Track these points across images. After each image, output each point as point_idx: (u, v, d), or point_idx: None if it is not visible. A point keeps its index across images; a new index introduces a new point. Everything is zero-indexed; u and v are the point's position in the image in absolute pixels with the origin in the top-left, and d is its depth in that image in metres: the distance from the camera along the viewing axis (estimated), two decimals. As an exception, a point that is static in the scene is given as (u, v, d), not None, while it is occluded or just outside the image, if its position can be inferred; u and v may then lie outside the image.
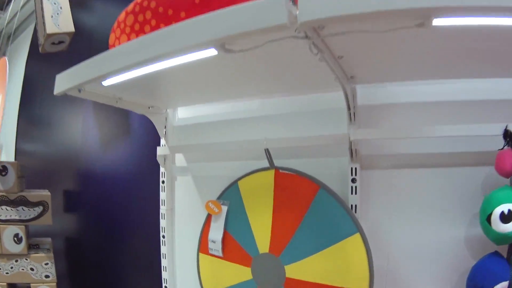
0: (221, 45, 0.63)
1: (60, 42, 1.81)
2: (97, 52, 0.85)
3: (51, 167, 2.20)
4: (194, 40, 0.63)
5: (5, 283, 1.79)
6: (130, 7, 0.93)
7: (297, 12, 0.54)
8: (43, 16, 1.76)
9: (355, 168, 0.92)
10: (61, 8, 1.79)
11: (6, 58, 1.85)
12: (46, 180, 2.15)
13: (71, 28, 1.78)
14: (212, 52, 0.65)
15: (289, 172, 0.97)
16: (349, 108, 0.89)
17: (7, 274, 1.77)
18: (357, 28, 0.58)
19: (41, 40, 1.81)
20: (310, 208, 0.93)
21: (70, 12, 1.81)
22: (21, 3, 3.21)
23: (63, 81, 0.97)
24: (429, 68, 0.80)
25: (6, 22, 3.76)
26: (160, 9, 0.87)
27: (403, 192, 0.91)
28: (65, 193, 2.10)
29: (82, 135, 2.03)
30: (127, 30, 0.94)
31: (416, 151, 0.90)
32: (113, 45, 0.96)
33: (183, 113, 1.31)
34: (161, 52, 0.69)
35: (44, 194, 1.77)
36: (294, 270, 0.95)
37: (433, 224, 0.88)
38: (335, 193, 0.90)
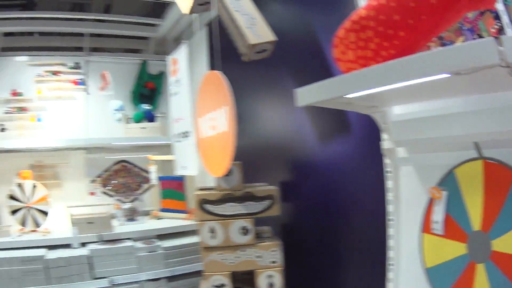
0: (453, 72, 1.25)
1: (263, 51, 2.69)
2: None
3: (267, 162, 3.20)
4: (433, 69, 1.25)
5: (229, 272, 2.79)
6: (348, 24, 1.59)
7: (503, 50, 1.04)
8: (238, 28, 2.64)
9: None
10: (254, 18, 2.69)
11: (218, 72, 2.68)
12: (264, 174, 3.13)
13: (271, 37, 2.66)
14: (445, 76, 1.27)
15: (495, 162, 1.60)
16: None
17: (232, 264, 2.71)
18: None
19: (242, 50, 2.69)
20: (510, 192, 1.54)
21: (264, 21, 2.68)
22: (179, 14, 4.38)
23: (306, 96, 1.79)
24: None
25: (167, 29, 5.29)
26: (380, 29, 1.49)
27: None
28: (283, 184, 2.99)
29: (296, 130, 2.95)
30: (352, 46, 1.61)
31: None
32: (339, 58, 1.67)
33: (398, 110, 2.00)
34: (403, 76, 1.33)
35: (271, 188, 2.70)
36: (499, 244, 1.56)
37: None
38: None
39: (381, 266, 2.13)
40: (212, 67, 3.77)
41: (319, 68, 2.63)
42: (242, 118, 3.62)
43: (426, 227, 1.86)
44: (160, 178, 5.08)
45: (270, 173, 3.24)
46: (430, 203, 1.84)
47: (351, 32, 1.59)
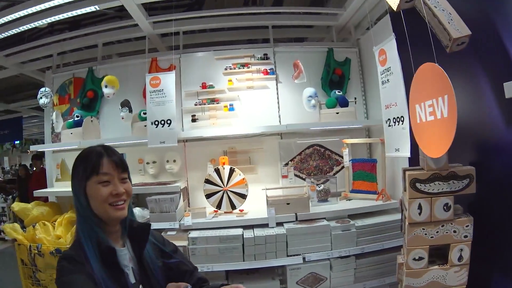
0: None
1: (462, 43, 2.93)
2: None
3: (458, 143, 3.40)
4: None
5: (428, 246, 3.09)
6: None
7: None
8: (441, 23, 2.92)
9: None
10: (450, 14, 2.96)
11: (435, 64, 2.92)
12: (455, 155, 3.31)
13: (468, 31, 2.90)
14: None
15: None
16: None
17: (432, 238, 3.09)
18: None
19: (446, 43, 2.95)
20: None
21: (459, 17, 2.94)
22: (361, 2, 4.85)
23: None
24: None
25: (349, 18, 5.68)
26: None
27: None
28: (471, 165, 3.22)
29: (487, 115, 3.24)
30: None
31: None
32: None
33: None
34: None
35: (470, 168, 3.00)
36: None
37: None
38: None
39: None
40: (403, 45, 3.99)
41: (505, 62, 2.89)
42: None
43: None
44: (352, 161, 5.32)
45: (462, 155, 3.41)
46: None
47: None
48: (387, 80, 4.07)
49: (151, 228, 2.20)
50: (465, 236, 3.06)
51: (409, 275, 3.14)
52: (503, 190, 3.08)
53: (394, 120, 3.96)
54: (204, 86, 5.56)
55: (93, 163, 1.99)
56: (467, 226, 3.06)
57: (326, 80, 5.78)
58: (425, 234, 3.09)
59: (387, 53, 4.04)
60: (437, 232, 3.07)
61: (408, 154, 3.74)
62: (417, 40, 3.18)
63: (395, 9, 3.08)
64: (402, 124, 3.79)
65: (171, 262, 2.22)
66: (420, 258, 3.12)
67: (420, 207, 3.07)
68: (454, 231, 3.07)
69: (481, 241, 3.17)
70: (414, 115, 3.29)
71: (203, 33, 6.59)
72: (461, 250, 3.07)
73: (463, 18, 2.99)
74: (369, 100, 5.85)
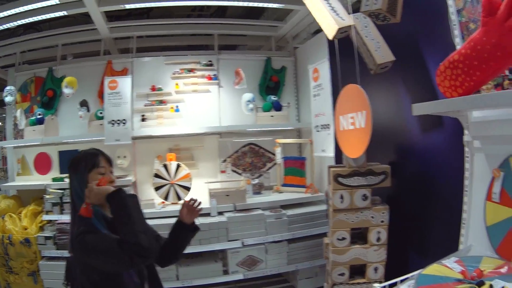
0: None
1: (385, 67, 3.47)
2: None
3: (379, 146, 3.89)
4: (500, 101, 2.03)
5: (349, 228, 3.60)
6: (446, 63, 2.31)
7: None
8: (368, 50, 3.43)
9: None
10: (378, 43, 3.49)
11: (357, 85, 3.43)
12: (377, 156, 3.88)
13: (392, 57, 3.46)
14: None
15: None
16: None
17: (353, 222, 3.60)
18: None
19: (371, 67, 3.48)
20: None
21: (386, 45, 3.47)
22: (301, 17, 5.31)
23: (420, 109, 2.63)
24: None
25: (288, 30, 6.24)
26: (465, 69, 2.16)
27: None
28: (390, 164, 3.76)
29: (404, 123, 3.79)
30: (448, 78, 2.31)
31: None
32: (439, 84, 2.38)
33: (475, 114, 2.65)
34: (489, 103, 2.12)
35: (385, 166, 3.58)
36: None
37: None
38: None
39: (456, 224, 2.84)
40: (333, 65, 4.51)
41: (423, 82, 3.41)
42: None
43: (489, 196, 2.52)
44: (284, 158, 5.86)
45: (382, 156, 4.01)
46: (492, 180, 2.50)
47: (448, 69, 2.36)
48: (318, 94, 4.79)
49: None
50: (382, 221, 3.63)
51: (334, 252, 3.64)
52: (414, 184, 3.69)
53: (322, 127, 4.70)
54: (153, 88, 5.90)
55: (93, 159, 2.56)
56: (383, 212, 3.63)
57: (263, 86, 6.31)
58: (347, 218, 3.61)
59: (319, 71, 4.73)
60: (357, 217, 3.61)
61: (332, 154, 4.49)
62: (347, 59, 3.65)
63: (330, 38, 3.52)
64: (328, 130, 4.53)
65: None
66: (343, 238, 3.63)
67: (342, 197, 3.59)
68: (372, 217, 3.62)
69: (398, 225, 3.73)
70: (338, 124, 3.84)
71: (155, 38, 6.93)
72: (379, 232, 3.61)
73: (395, 43, 3.57)
74: (301, 105, 6.43)
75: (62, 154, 5.81)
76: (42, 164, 5.89)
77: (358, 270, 3.75)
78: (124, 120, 5.19)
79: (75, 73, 5.63)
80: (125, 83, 5.30)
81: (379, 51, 3.51)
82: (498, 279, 2.01)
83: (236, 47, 7.55)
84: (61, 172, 5.71)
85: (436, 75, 2.45)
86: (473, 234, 2.71)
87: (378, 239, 3.64)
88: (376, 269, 3.65)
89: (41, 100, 5.87)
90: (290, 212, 5.07)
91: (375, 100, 3.44)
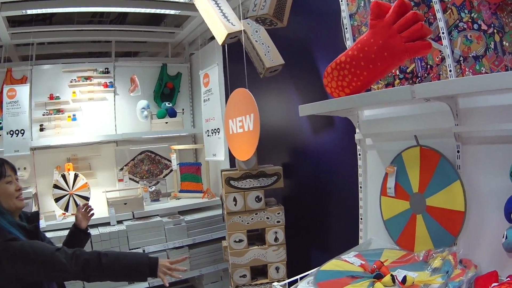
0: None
1: (275, 70, 3.45)
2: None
3: (274, 148, 3.83)
4: (385, 98, 2.15)
5: (245, 230, 3.54)
6: (333, 64, 2.32)
7: (415, 91, 1.90)
8: (258, 54, 3.38)
9: (458, 145, 2.10)
10: (268, 47, 3.46)
11: (245, 89, 3.43)
12: (272, 158, 3.94)
13: (281, 61, 3.45)
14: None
15: (426, 147, 2.25)
16: (452, 112, 2.05)
17: (248, 224, 3.55)
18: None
19: (260, 70, 3.45)
20: (436, 167, 2.20)
21: (276, 49, 3.44)
22: (198, 24, 5.31)
23: (306, 109, 2.59)
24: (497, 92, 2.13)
25: (184, 37, 6.13)
26: (352, 70, 2.22)
27: (485, 157, 2.01)
28: (285, 165, 3.77)
29: (297, 126, 3.76)
30: (335, 78, 2.34)
31: (494, 134, 1.96)
32: (327, 85, 2.39)
33: (367, 113, 2.68)
34: (372, 100, 2.16)
35: (277, 168, 3.49)
36: (430, 201, 2.21)
37: (501, 176, 1.89)
38: (448, 159, 2.13)
39: (355, 220, 2.85)
40: (224, 70, 4.62)
41: (314, 85, 3.42)
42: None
43: (383, 191, 2.57)
44: (180, 164, 5.76)
45: (278, 157, 4.08)
46: (386, 175, 2.54)
47: (335, 70, 2.35)
48: (208, 99, 4.68)
49: None
50: (278, 221, 3.60)
51: (233, 254, 3.57)
52: (310, 183, 3.70)
53: (212, 131, 4.58)
54: (51, 97, 5.57)
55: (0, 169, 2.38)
56: (278, 213, 3.60)
57: (158, 93, 6.16)
58: (242, 221, 3.57)
59: (210, 77, 4.62)
60: (252, 218, 3.57)
61: (222, 158, 4.41)
62: (239, 63, 3.65)
63: (220, 43, 3.49)
64: (218, 134, 4.43)
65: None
66: (240, 240, 3.57)
67: (235, 199, 3.54)
68: (267, 218, 3.59)
69: (298, 224, 3.78)
70: (227, 127, 3.81)
71: (56, 45, 6.51)
72: (276, 232, 3.59)
73: (288, 47, 3.57)
74: (196, 111, 6.36)
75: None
76: None
77: (260, 271, 3.74)
78: (22, 130, 4.91)
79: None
80: (23, 92, 5.03)
81: (269, 55, 3.51)
82: (401, 269, 2.02)
83: (137, 54, 7.24)
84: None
85: (324, 76, 2.44)
86: (372, 228, 2.76)
87: (276, 239, 3.62)
88: (277, 269, 3.62)
89: None
90: (189, 217, 5.01)
91: (267, 103, 3.41)
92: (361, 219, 2.81)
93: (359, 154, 2.81)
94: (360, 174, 2.81)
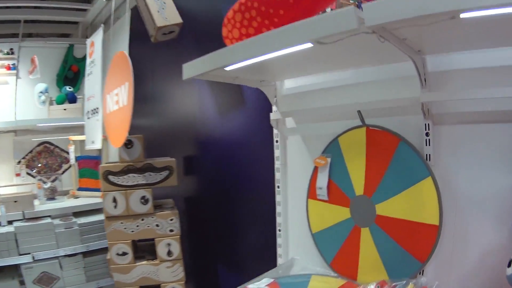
0: (316, 41, 1.17)
1: (170, 32, 2.57)
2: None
3: (170, 138, 2.96)
4: (296, 39, 1.16)
5: (130, 240, 2.62)
6: (236, 6, 1.46)
7: (364, 18, 1.00)
8: (149, 12, 2.52)
9: (428, 124, 1.36)
10: (164, 3, 2.57)
11: (124, 52, 2.58)
12: (168, 149, 2.97)
13: (178, 19, 2.56)
14: (309, 45, 1.19)
15: (377, 128, 1.49)
16: (419, 75, 1.34)
17: (132, 232, 2.62)
18: (408, 23, 1.06)
19: (151, 32, 2.60)
20: (393, 157, 1.43)
21: (174, 5, 2.57)
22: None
23: (190, 69, 1.61)
24: (481, 40, 1.22)
25: (97, 13, 5.17)
26: (263, 8, 1.39)
27: (469, 143, 1.33)
28: (185, 159, 2.97)
29: (198, 108, 2.83)
30: (238, 25, 1.47)
31: (480, 109, 1.29)
32: (227, 37, 1.52)
33: (289, 84, 1.88)
34: (273, 46, 1.21)
35: (169, 160, 2.57)
36: (382, 208, 1.47)
37: (494, 170, 1.27)
38: (412, 145, 1.39)
39: (273, 231, 2.01)
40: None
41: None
42: (152, 97, 3.44)
43: (311, 193, 1.75)
44: (78, 158, 4.78)
45: (175, 148, 3.09)
46: (315, 171, 1.73)
47: (238, 13, 1.48)
48: (91, 72, 3.68)
49: None
50: (171, 230, 2.63)
51: (116, 270, 2.65)
52: (218, 181, 2.75)
53: (92, 112, 3.58)
54: None
55: None
56: (171, 220, 2.62)
57: (61, 76, 5.20)
58: (125, 228, 2.62)
59: (95, 45, 3.63)
60: (138, 226, 2.63)
61: (99, 146, 3.47)
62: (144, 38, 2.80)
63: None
64: (97, 115, 3.42)
65: None
66: (124, 253, 2.63)
67: (115, 200, 2.61)
68: (157, 225, 2.63)
69: (201, 234, 2.92)
70: (105, 105, 2.95)
71: None
72: (169, 244, 2.63)
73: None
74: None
75: None
76: None
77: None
78: None
79: None
80: None
81: (163, 13, 2.58)
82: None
83: (51, 35, 6.27)
84: None
85: (223, 25, 1.56)
86: (295, 244, 1.97)
87: (170, 253, 2.65)
88: (174, 291, 2.77)
89: None
90: (83, 220, 3.99)
91: (165, 79, 2.44)
92: (279, 230, 2.00)
93: (276, 141, 1.99)
94: (278, 169, 1.98)
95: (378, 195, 1.49)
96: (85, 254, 3.96)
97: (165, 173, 2.63)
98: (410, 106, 1.41)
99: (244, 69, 1.53)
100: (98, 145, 3.44)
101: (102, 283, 4.02)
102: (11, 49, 4.97)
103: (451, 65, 1.36)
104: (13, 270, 3.91)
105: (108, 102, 2.80)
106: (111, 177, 2.58)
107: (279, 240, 1.94)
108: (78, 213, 4.14)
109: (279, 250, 1.95)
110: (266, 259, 2.07)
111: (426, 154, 1.38)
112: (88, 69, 3.79)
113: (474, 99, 1.29)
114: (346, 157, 1.61)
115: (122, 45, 3.82)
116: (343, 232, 1.61)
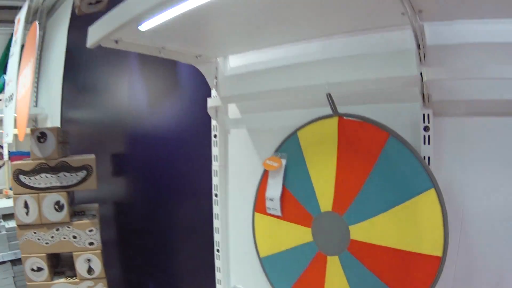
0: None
1: (97, 2, 2.02)
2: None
3: (98, 132, 2.44)
4: None
5: (45, 254, 2.04)
6: None
7: None
8: None
9: (428, 115, 0.92)
10: None
11: (36, 22, 2.10)
12: (94, 145, 2.62)
13: None
14: None
15: (355, 119, 1.01)
16: (419, 47, 0.90)
17: (47, 244, 2.04)
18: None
19: (76, 1, 2.05)
20: (379, 160, 0.98)
21: None
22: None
23: (96, 31, 1.08)
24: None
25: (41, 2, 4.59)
26: None
27: (482, 142, 0.91)
28: (113, 157, 2.51)
29: (128, 98, 2.44)
30: None
31: (493, 97, 0.89)
32: None
33: (235, 62, 1.41)
34: None
35: (87, 158, 2.02)
36: (360, 231, 1.01)
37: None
38: (407, 142, 0.93)
39: (212, 250, 1.53)
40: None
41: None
42: (84, 87, 2.96)
43: (259, 205, 1.26)
44: (11, 154, 4.11)
45: (106, 145, 2.59)
46: (265, 176, 1.24)
47: None
48: (13, 52, 3.01)
49: None
50: (91, 244, 2.03)
51: None
52: (152, 186, 2.19)
53: (9, 99, 2.92)
54: None
55: None
56: (90, 230, 2.04)
57: (2, 64, 4.70)
58: (39, 239, 2.04)
59: (20, 22, 3.02)
60: (52, 237, 2.05)
61: (10, 140, 2.76)
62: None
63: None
64: (12, 102, 2.77)
65: None
66: (40, 269, 2.05)
67: (26, 205, 2.01)
68: (75, 237, 2.05)
69: (132, 249, 2.41)
70: (18, 89, 2.37)
71: None
72: (89, 260, 2.05)
73: None
74: (42, 86, 4.69)
75: None
76: None
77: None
78: None
79: None
80: None
81: None
82: None
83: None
84: None
85: None
86: (239, 270, 1.47)
87: (90, 271, 2.06)
88: (98, 314, 2.21)
89: None
90: (11, 224, 3.39)
91: (92, 63, 1.92)
92: (217, 251, 1.51)
93: (214, 136, 1.50)
94: (216, 172, 1.50)
95: (353, 213, 1.01)
96: (15, 262, 3.40)
97: (82, 174, 2.03)
98: (402, 89, 0.98)
99: (168, 31, 1.02)
100: (10, 138, 2.80)
101: (35, 296, 3.43)
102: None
103: (458, 38, 0.93)
104: None
105: (20, 86, 2.27)
106: (22, 177, 2.01)
107: (217, 263, 1.47)
108: (7, 216, 3.57)
109: (218, 275, 1.47)
110: (205, 279, 1.60)
111: (425, 156, 0.94)
112: (11, 50, 3.14)
113: (490, 83, 0.89)
114: (308, 159, 1.12)
115: (61, 30, 3.44)
116: (301, 260, 1.14)
